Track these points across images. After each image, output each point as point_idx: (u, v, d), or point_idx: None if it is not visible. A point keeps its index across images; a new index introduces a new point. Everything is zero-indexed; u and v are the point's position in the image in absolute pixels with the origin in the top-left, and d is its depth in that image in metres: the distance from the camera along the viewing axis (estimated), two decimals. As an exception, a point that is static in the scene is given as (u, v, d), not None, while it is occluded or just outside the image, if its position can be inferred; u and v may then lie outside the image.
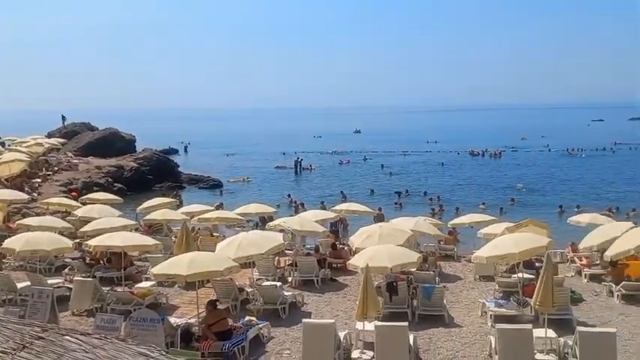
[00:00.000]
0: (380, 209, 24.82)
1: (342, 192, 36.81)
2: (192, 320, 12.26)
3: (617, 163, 54.63)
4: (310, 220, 18.61)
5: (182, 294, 15.31)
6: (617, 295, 14.27)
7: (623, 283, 14.30)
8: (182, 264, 11.46)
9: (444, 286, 14.42)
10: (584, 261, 17.26)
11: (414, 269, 14.79)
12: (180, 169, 47.05)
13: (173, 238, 19.56)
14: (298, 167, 52.70)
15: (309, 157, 60.95)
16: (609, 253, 14.64)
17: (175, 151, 69.64)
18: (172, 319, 11.94)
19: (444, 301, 13.24)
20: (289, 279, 16.38)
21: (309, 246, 19.79)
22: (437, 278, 15.55)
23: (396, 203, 32.86)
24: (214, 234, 21.43)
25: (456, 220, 21.67)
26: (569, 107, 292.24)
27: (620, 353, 10.20)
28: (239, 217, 21.64)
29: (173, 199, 27.23)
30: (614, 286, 14.56)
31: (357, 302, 10.88)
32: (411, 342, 10.38)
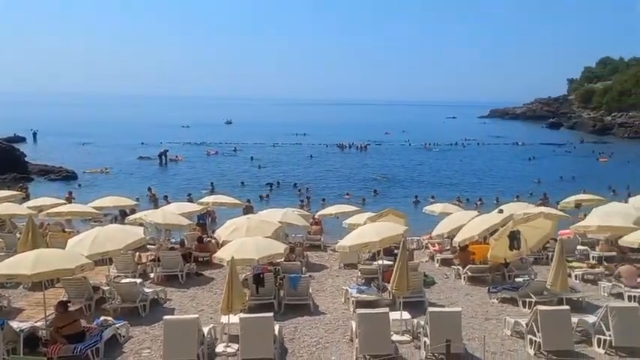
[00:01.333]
0: (249, 201, 24.70)
1: (211, 184, 36.05)
2: (39, 324, 11.15)
3: (467, 157, 60.04)
4: (174, 212, 17.91)
5: (27, 295, 13.90)
6: (464, 277, 15.64)
7: (469, 266, 15.70)
8: (26, 262, 10.33)
9: (310, 276, 14.72)
10: (437, 247, 18.70)
11: (282, 260, 14.94)
12: (27, 158, 42.74)
13: (18, 235, 17.67)
14: (163, 158, 50.59)
15: (175, 148, 58.85)
16: (457, 239, 16.02)
17: (22, 139, 63.23)
18: (15, 324, 10.74)
19: (310, 290, 13.52)
20: (151, 275, 15.62)
21: (174, 240, 19.07)
22: (304, 268, 15.82)
23: (261, 196, 32.50)
24: (67, 230, 19.75)
25: (323, 211, 22.26)
26: (427, 105, 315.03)
27: (466, 329, 11.20)
28: (95, 210, 20.13)
29: (18, 192, 24.58)
30: (461, 269, 15.92)
31: (222, 295, 10.67)
32: (277, 332, 10.43)
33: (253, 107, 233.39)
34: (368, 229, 13.90)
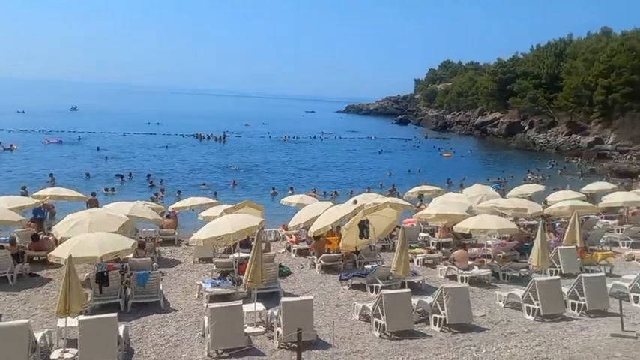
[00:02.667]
0: (93, 194, 22.88)
1: (51, 175, 32.82)
2: None
3: (324, 150, 62.11)
4: (4, 207, 15.95)
5: None
6: (318, 267, 16.08)
7: (323, 255, 16.18)
8: None
9: (161, 272, 14.05)
10: (293, 238, 18.98)
11: (130, 256, 14.07)
12: None
13: None
14: (-6, 147, 45.06)
15: (8, 137, 52.75)
16: (312, 229, 16.43)
17: None
18: None
19: (161, 287, 12.90)
20: (-26, 278, 13.76)
21: (4, 238, 16.98)
22: (155, 264, 15.04)
23: (106, 189, 30.04)
24: None
25: (178, 204, 21.44)
26: (287, 98, 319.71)
27: (318, 316, 11.51)
28: None
29: None
30: (315, 258, 16.35)
31: (59, 297, 9.71)
32: (121, 333, 9.77)
33: (104, 93, 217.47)
34: (223, 222, 13.64)
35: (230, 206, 17.56)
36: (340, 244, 15.58)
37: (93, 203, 20.61)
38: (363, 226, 14.91)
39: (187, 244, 17.50)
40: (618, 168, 48.85)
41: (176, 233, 19.60)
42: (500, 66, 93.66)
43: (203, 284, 13.18)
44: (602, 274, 13.76)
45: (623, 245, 19.84)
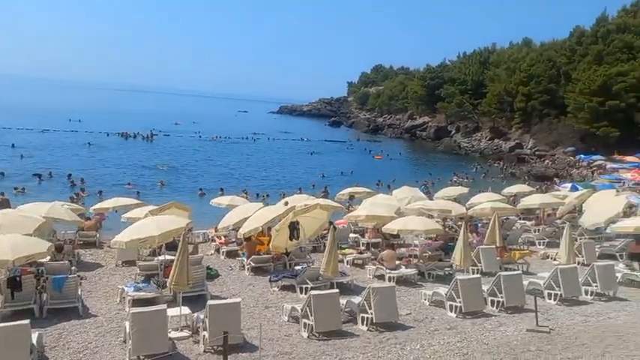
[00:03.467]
0: (2, 194, 21.44)
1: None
2: None
3: (257, 151, 61.66)
4: None
5: None
6: (248, 268, 15.88)
7: (253, 257, 16.00)
8: None
9: (79, 276, 13.35)
10: (223, 239, 18.65)
11: (46, 260, 13.29)
12: None
13: None
14: None
15: None
16: (242, 231, 16.20)
17: None
18: None
19: (79, 292, 12.25)
20: None
21: None
22: (73, 268, 14.28)
23: (15, 188, 28.01)
24: None
25: (100, 205, 20.51)
26: (220, 97, 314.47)
27: (246, 319, 11.35)
28: None
29: None
30: (245, 260, 16.13)
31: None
32: (34, 341, 9.18)
33: (20, 87, 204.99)
34: (148, 223, 13.15)
35: (156, 207, 16.99)
36: (270, 246, 15.46)
37: (4, 203, 19.33)
38: (294, 228, 14.88)
39: (110, 247, 16.76)
40: (536, 171, 51.77)
41: (97, 235, 18.73)
42: (429, 72, 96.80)
43: (125, 288, 12.66)
44: (520, 272, 14.48)
45: (539, 245, 20.98)
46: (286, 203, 19.56)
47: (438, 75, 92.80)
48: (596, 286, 13.94)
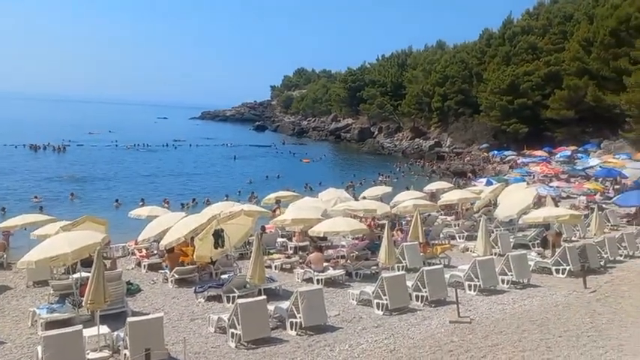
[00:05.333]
0: None
1: None
2: None
3: (179, 159, 60.05)
4: None
5: None
6: (171, 281, 15.34)
7: (176, 268, 15.47)
8: None
9: (-16, 301, 12.35)
10: (143, 252, 17.92)
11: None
12: None
13: None
14: None
15: None
16: (164, 242, 15.67)
17: None
18: None
19: (-16, 319, 11.32)
20: None
21: None
22: (-23, 292, 13.20)
23: None
24: None
25: (6, 223, 19.09)
26: (138, 104, 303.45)
27: (170, 334, 10.94)
28: None
29: None
30: (168, 272, 15.57)
31: None
32: None
33: None
34: (59, 240, 12.33)
35: (68, 222, 16.03)
36: (194, 256, 15.02)
37: None
38: (218, 236, 14.51)
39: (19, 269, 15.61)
40: (454, 168, 54.07)
41: (4, 256, 17.42)
42: (350, 74, 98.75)
43: (37, 310, 11.83)
44: (441, 266, 14.97)
45: (459, 238, 21.84)
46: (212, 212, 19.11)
47: (359, 77, 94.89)
48: (512, 275, 14.68)
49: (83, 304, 10.64)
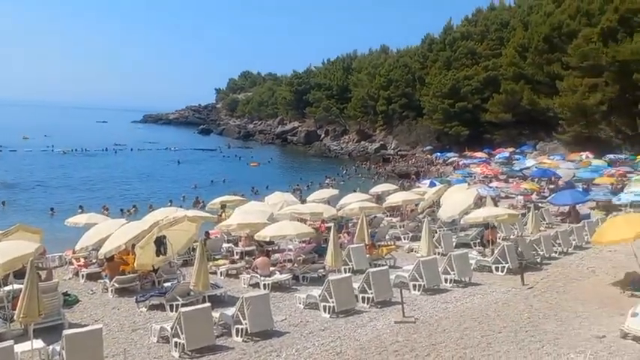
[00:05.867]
0: None
1: None
2: None
3: (119, 163, 58.23)
4: None
5: None
6: (112, 290, 14.80)
7: (116, 277, 14.94)
8: None
9: None
10: (81, 261, 17.21)
11: None
12: None
13: None
14: None
15: None
16: (103, 251, 15.13)
17: None
18: None
19: None
20: None
21: None
22: None
23: None
24: None
25: None
26: (76, 108, 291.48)
27: (110, 345, 10.60)
28: None
29: None
30: (108, 282, 15.02)
31: None
32: None
33: None
34: (-12, 251, 11.66)
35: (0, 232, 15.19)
36: (135, 264, 14.56)
37: None
38: (160, 243, 14.12)
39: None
40: (399, 170, 55.08)
41: None
42: (296, 77, 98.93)
43: (-36, 328, 11.11)
44: (387, 267, 15.18)
45: (404, 239, 22.23)
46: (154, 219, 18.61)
47: (305, 81, 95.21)
48: (454, 274, 15.06)
49: (15, 318, 10.08)
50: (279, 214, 20.79)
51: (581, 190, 29.69)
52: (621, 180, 32.42)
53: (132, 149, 72.60)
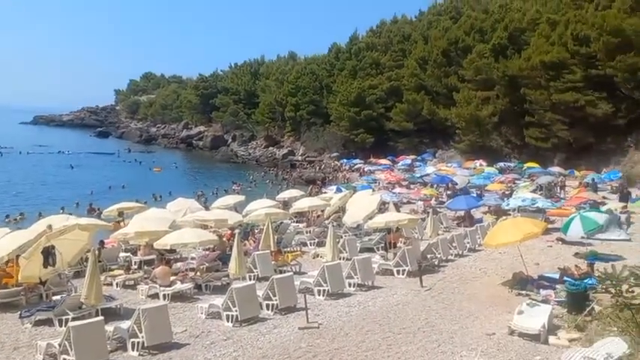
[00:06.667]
0: None
1: None
2: None
3: (5, 168, 53.65)
4: None
5: None
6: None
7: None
8: None
9: None
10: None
11: None
12: None
13: None
14: None
15: None
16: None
17: None
18: None
19: None
20: None
21: None
22: None
23: None
24: None
25: None
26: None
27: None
28: None
29: None
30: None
31: None
32: None
33: None
34: None
35: None
36: (20, 277, 13.36)
37: None
38: (48, 253, 13.09)
39: None
40: (307, 176, 55.58)
41: None
42: (202, 81, 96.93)
43: None
44: (292, 273, 15.11)
45: (311, 245, 22.33)
46: (50, 226, 17.21)
47: (212, 84, 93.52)
48: (357, 278, 15.33)
49: None
50: (181, 222, 20.10)
51: (475, 195, 31.58)
52: (510, 186, 34.88)
53: (20, 152, 67.26)
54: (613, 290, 7.31)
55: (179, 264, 17.64)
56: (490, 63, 49.81)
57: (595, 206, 24.45)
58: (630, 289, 7.19)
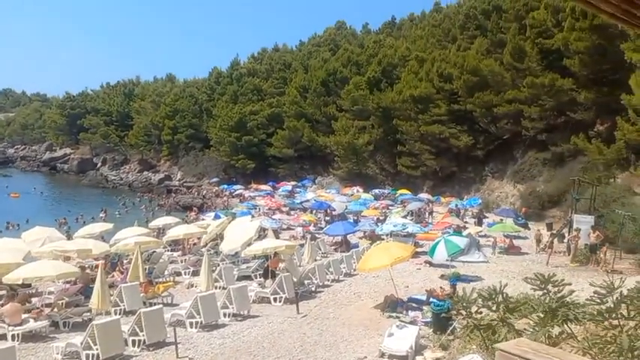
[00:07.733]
0: None
1: None
2: None
3: None
4: None
5: None
6: None
7: None
8: None
9: None
10: None
11: None
12: None
13: None
14: None
15: None
16: None
17: None
18: None
19: None
20: None
21: None
22: None
23: None
24: None
25: None
26: None
27: None
28: None
29: None
30: None
31: None
32: None
33: None
34: None
35: None
36: None
37: None
38: None
39: None
40: (184, 202, 53.70)
41: None
42: (69, 100, 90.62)
43: None
44: (160, 306, 14.24)
45: (185, 274, 21.39)
46: None
47: (80, 104, 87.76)
48: (233, 308, 14.87)
49: None
50: (37, 252, 18.24)
51: (351, 221, 32.54)
52: (384, 212, 36.49)
53: None
54: (464, 312, 7.77)
55: (34, 299, 15.93)
56: (366, 94, 52.34)
57: (457, 230, 26.34)
58: (478, 311, 7.69)
